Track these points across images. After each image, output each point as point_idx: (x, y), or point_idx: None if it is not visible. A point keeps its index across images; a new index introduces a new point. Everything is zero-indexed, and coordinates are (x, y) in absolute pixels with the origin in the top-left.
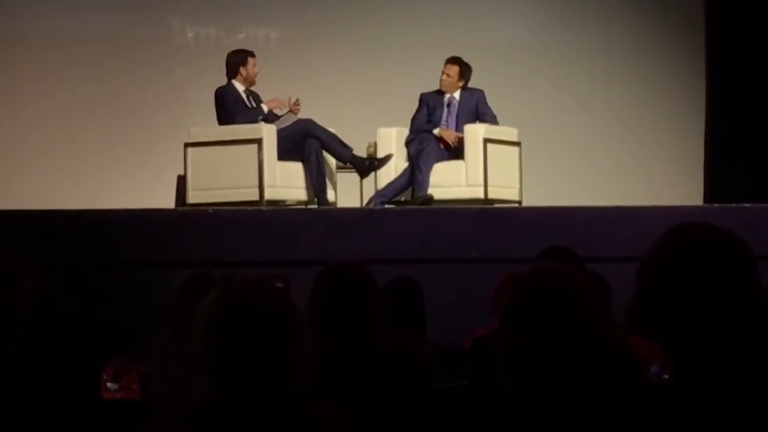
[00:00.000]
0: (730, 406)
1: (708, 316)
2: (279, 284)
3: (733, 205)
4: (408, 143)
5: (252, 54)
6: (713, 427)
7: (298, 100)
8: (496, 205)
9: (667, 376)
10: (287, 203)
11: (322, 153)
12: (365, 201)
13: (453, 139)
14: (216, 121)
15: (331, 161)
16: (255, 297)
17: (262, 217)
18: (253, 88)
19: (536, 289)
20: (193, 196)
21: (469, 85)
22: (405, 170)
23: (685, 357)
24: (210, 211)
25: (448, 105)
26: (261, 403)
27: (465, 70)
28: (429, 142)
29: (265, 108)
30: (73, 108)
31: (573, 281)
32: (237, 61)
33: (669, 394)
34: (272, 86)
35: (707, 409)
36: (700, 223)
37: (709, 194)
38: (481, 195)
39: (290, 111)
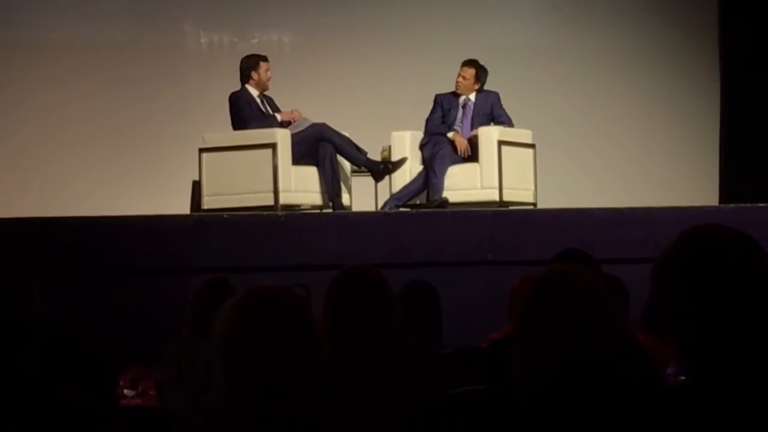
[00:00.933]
0: (745, 407)
1: (722, 318)
2: (299, 291)
3: (749, 205)
4: (422, 146)
5: (264, 59)
6: (729, 429)
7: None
8: (511, 208)
9: (683, 378)
10: (302, 208)
11: (336, 157)
12: (380, 205)
13: (464, 149)
14: (230, 127)
15: (346, 165)
16: (275, 304)
17: (277, 222)
18: (267, 93)
19: (550, 292)
20: (208, 202)
21: (484, 87)
22: (420, 173)
23: (700, 359)
24: (225, 216)
25: (464, 107)
26: (278, 410)
27: (481, 73)
28: (443, 145)
29: (279, 117)
30: (87, 114)
31: (586, 284)
32: (250, 66)
33: (684, 396)
34: (286, 91)
35: (723, 411)
36: (713, 225)
37: (725, 195)
38: (496, 197)
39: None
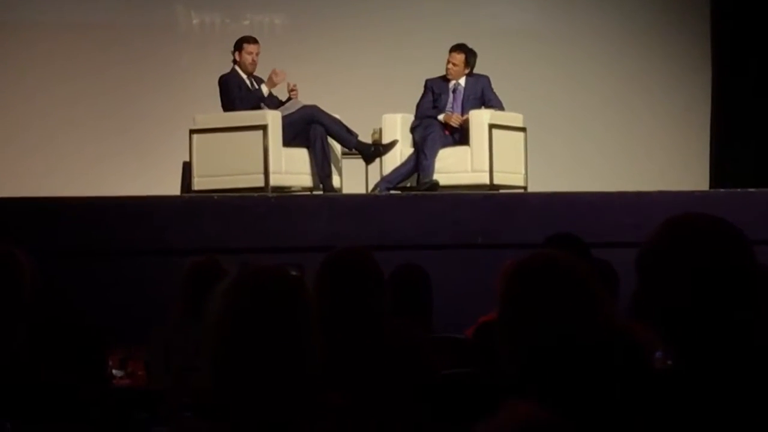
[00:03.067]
0: (729, 391)
1: (704, 304)
2: (293, 272)
3: (739, 190)
4: (413, 129)
5: (250, 41)
6: (713, 413)
7: (295, 85)
8: (501, 191)
9: (670, 362)
10: (292, 189)
11: (327, 139)
12: (370, 187)
13: (457, 121)
14: (221, 108)
15: (337, 147)
16: (269, 285)
17: (268, 204)
18: (257, 74)
19: (534, 276)
20: (198, 183)
21: (475, 70)
22: (410, 156)
23: (684, 344)
24: (215, 197)
25: (454, 91)
26: (270, 392)
27: (470, 57)
28: (434, 128)
29: (264, 89)
30: (77, 95)
31: (570, 267)
32: (235, 47)
33: (670, 380)
34: None
35: (709, 394)
36: (696, 213)
37: (715, 179)
38: (487, 181)
39: (289, 96)
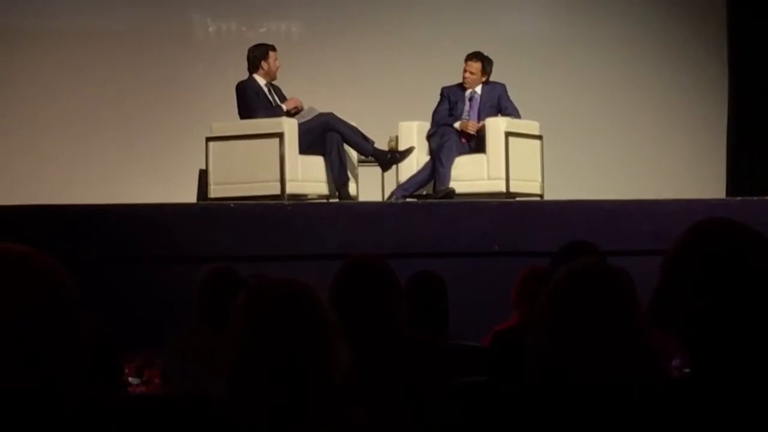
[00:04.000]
0: (748, 401)
1: (727, 312)
2: (309, 284)
3: (756, 198)
4: (429, 137)
5: (273, 48)
6: (730, 423)
7: (296, 106)
8: (517, 199)
9: (687, 370)
10: (309, 197)
11: (343, 146)
12: (387, 195)
13: (474, 128)
14: (237, 116)
15: (353, 155)
16: (289, 297)
17: (284, 211)
18: (274, 82)
19: (585, 284)
20: (214, 191)
21: (491, 78)
22: (426, 164)
23: (704, 352)
24: (231, 205)
25: (470, 99)
26: (290, 403)
27: (487, 65)
28: (450, 136)
29: (284, 107)
30: (95, 103)
31: (619, 278)
32: (258, 55)
33: (688, 389)
34: (294, 80)
35: (726, 404)
36: (721, 219)
37: (732, 187)
38: (503, 188)
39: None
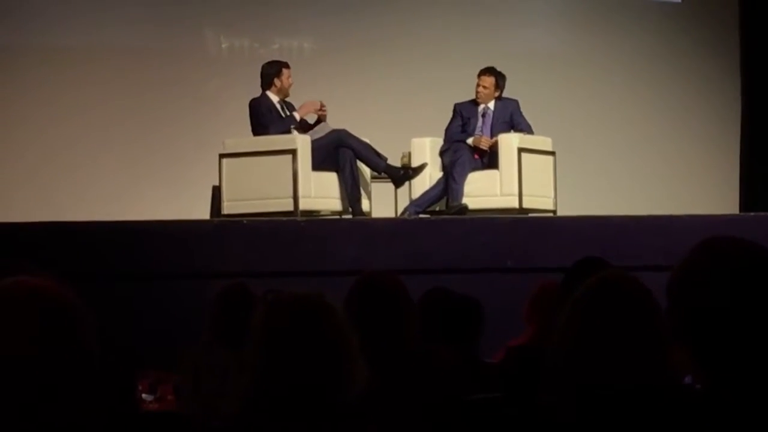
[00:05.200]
0: (761, 418)
1: (738, 329)
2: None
3: None
4: (442, 153)
5: (287, 65)
6: None
7: (322, 103)
8: (530, 215)
9: (700, 387)
10: (322, 213)
11: (356, 163)
12: (400, 211)
13: (487, 143)
14: (250, 132)
15: (366, 171)
16: (306, 312)
17: (297, 228)
18: (287, 99)
19: (612, 298)
20: (228, 207)
21: (504, 94)
22: (439, 180)
23: (716, 369)
24: (245, 221)
25: (483, 115)
26: (307, 420)
27: (500, 80)
28: (463, 152)
29: (297, 116)
30: (107, 120)
31: (644, 292)
32: (272, 72)
33: (701, 405)
34: (306, 97)
35: (738, 421)
36: (729, 236)
37: (745, 202)
38: (516, 204)
39: (318, 116)
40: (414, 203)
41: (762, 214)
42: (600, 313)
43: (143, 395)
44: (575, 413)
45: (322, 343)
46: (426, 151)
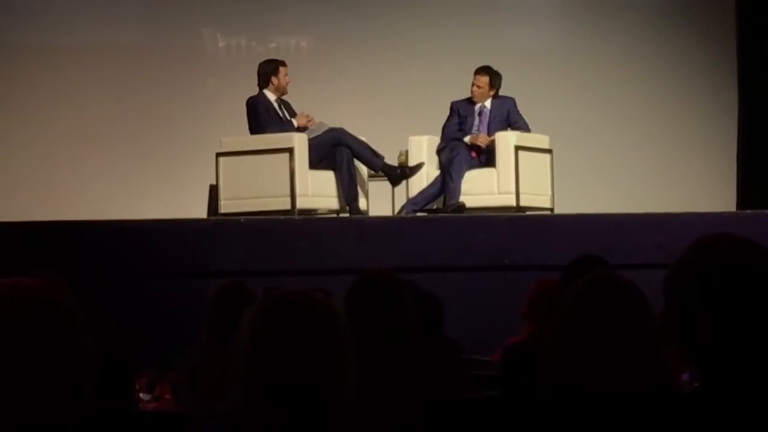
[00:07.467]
0: (758, 416)
1: (734, 327)
2: (320, 295)
3: (767, 211)
4: (439, 151)
5: (283, 63)
6: None
7: (305, 114)
8: (527, 213)
9: (698, 384)
10: (319, 212)
11: (353, 161)
12: (397, 209)
13: (484, 141)
14: (248, 131)
15: (363, 170)
16: (300, 308)
17: (294, 226)
18: (284, 97)
19: (600, 298)
20: (225, 206)
21: (500, 92)
22: (436, 178)
23: (713, 367)
24: (242, 220)
25: (480, 113)
26: (300, 419)
27: (495, 79)
28: (460, 150)
29: (295, 123)
30: (105, 118)
31: (634, 291)
32: (268, 70)
33: (698, 403)
34: (303, 95)
35: (736, 420)
36: (725, 234)
37: (742, 200)
38: (513, 202)
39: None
40: (411, 201)
41: (759, 211)
42: (588, 315)
43: (141, 394)
44: (569, 413)
45: (314, 341)
46: (423, 150)
